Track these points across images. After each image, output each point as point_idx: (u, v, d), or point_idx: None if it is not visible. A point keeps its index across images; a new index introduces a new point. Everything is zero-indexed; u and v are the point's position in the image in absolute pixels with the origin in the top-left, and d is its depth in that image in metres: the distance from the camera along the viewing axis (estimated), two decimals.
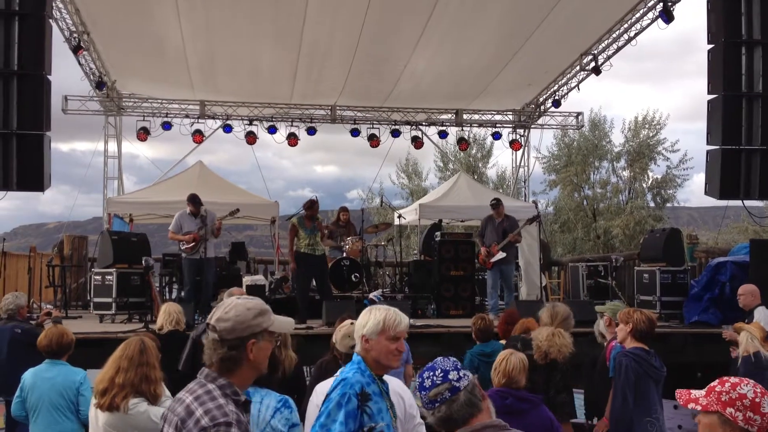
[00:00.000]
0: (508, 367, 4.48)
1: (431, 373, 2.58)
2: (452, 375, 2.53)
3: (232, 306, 2.65)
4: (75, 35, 13.25)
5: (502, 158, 44.22)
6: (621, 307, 6.06)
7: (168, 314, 6.78)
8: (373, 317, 3.40)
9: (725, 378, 2.33)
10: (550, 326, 5.50)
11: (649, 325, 4.94)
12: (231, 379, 2.59)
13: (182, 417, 2.49)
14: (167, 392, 4.45)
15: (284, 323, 2.80)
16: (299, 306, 10.90)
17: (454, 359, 2.63)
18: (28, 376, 5.56)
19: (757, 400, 2.22)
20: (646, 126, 33.42)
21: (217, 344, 2.59)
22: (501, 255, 11.46)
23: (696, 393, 2.35)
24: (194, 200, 11.17)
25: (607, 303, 6.16)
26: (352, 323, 4.27)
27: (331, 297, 11.28)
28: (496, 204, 11.98)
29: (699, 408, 2.31)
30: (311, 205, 11.22)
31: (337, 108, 18.04)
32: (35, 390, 5.47)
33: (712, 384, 2.33)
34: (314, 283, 11.38)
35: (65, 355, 5.64)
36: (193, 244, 10.93)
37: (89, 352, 8.91)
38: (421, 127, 18.50)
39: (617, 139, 34.70)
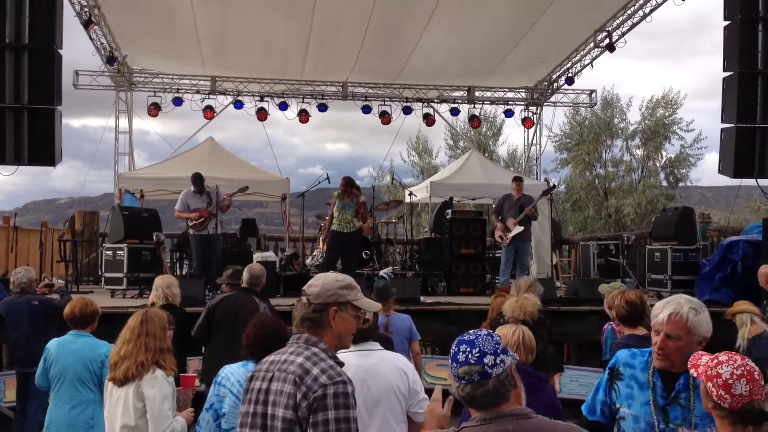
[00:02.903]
0: (513, 343, 4.42)
1: (468, 349, 2.42)
2: (488, 359, 2.37)
3: (324, 276, 2.98)
4: (86, 9, 13.20)
5: (512, 136, 44.04)
6: (621, 288, 5.96)
7: (155, 289, 6.77)
8: None
9: (721, 353, 2.50)
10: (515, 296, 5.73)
11: (630, 309, 4.61)
12: None
13: (299, 374, 2.69)
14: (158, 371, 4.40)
15: (371, 304, 3.07)
16: None
17: (498, 339, 2.47)
18: (53, 346, 5.51)
19: (731, 381, 2.38)
20: (663, 104, 33.16)
21: (304, 306, 2.89)
22: (519, 229, 11.26)
23: (702, 360, 2.54)
24: (196, 181, 11.15)
25: (609, 283, 6.10)
26: None
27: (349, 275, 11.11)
28: (519, 180, 11.77)
29: (695, 374, 2.53)
30: (344, 182, 11.10)
31: (349, 84, 17.95)
32: (60, 361, 5.43)
33: (715, 355, 2.52)
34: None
35: (89, 326, 5.60)
36: (201, 220, 10.95)
37: (100, 327, 8.99)
38: (432, 104, 18.39)
39: (632, 117, 34.46)
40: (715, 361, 2.46)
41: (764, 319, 7.66)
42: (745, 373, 2.39)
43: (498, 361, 2.38)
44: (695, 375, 2.53)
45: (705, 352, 2.61)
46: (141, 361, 4.32)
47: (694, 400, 3.04)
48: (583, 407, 3.55)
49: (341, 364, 2.81)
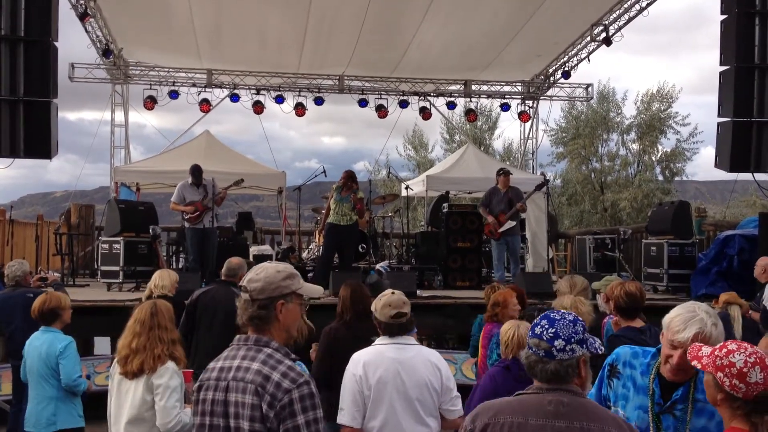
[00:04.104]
0: (520, 339, 4.49)
1: (546, 326, 2.49)
2: (558, 343, 2.44)
3: (263, 268, 2.81)
4: (81, 2, 13.15)
5: (508, 130, 43.92)
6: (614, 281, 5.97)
7: (152, 280, 6.83)
8: None
9: (728, 342, 2.44)
10: (569, 294, 5.48)
11: (630, 300, 4.63)
12: None
13: (259, 383, 2.58)
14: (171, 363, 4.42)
15: (314, 289, 2.98)
16: (315, 275, 10.88)
17: (582, 328, 2.50)
18: (28, 342, 5.71)
19: (745, 369, 2.31)
20: (659, 99, 33.17)
21: (248, 303, 2.74)
22: (511, 224, 11.26)
23: (704, 351, 2.48)
24: (195, 173, 11.14)
25: (602, 279, 6.10)
26: (393, 292, 4.29)
27: (346, 268, 11.09)
28: (505, 173, 11.69)
29: (699, 366, 2.47)
30: (346, 176, 11.06)
31: (345, 78, 17.91)
32: (27, 357, 5.64)
33: (720, 344, 2.46)
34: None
35: (56, 321, 5.68)
36: (197, 213, 10.94)
37: (97, 320, 9.01)
38: (429, 97, 18.37)
39: (627, 111, 34.44)
40: (725, 350, 2.38)
41: (753, 309, 7.75)
42: (758, 360, 2.32)
43: (568, 348, 2.45)
44: (699, 367, 2.47)
45: (703, 344, 2.57)
46: (157, 354, 4.34)
47: (691, 413, 2.96)
48: None
49: (294, 359, 2.72)
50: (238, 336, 2.79)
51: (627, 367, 3.22)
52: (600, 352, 2.54)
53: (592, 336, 2.57)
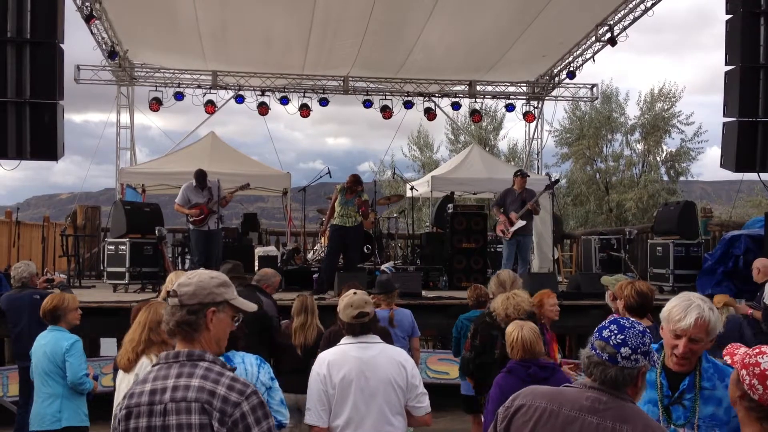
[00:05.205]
0: (524, 341, 4.53)
1: (616, 330, 2.49)
2: (624, 351, 2.43)
3: (196, 273, 2.65)
4: (87, 4, 13.18)
5: (513, 131, 43.95)
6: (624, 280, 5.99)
7: (167, 282, 6.82)
8: None
9: (765, 346, 2.40)
10: (503, 292, 5.68)
11: (640, 299, 4.63)
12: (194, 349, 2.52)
13: (205, 399, 2.37)
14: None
15: (247, 303, 2.74)
16: (321, 277, 10.88)
17: (649, 340, 2.50)
18: (35, 342, 5.77)
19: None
20: (662, 98, 33.12)
21: (176, 309, 2.54)
22: (521, 223, 11.26)
23: (741, 350, 2.45)
24: (199, 178, 11.11)
25: (613, 276, 6.11)
26: (355, 293, 4.33)
27: (351, 269, 11.09)
28: (523, 174, 11.74)
29: (730, 361, 2.44)
30: (352, 180, 11.09)
31: (350, 79, 17.92)
32: (34, 356, 5.70)
33: (758, 345, 2.42)
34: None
35: (61, 321, 5.74)
36: (201, 216, 10.95)
37: (103, 321, 9.04)
38: (434, 98, 18.36)
39: (631, 111, 34.42)
40: (757, 350, 2.35)
41: (753, 308, 7.77)
42: None
43: (633, 357, 2.44)
44: (729, 362, 2.45)
45: (741, 344, 2.53)
46: (141, 350, 4.31)
47: (699, 401, 3.02)
48: None
49: (233, 369, 2.55)
50: (164, 353, 2.55)
51: None
52: (657, 366, 2.58)
53: (655, 350, 2.58)
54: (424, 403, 4.17)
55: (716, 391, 3.03)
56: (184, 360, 2.48)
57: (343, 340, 4.26)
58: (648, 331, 2.56)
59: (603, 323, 2.57)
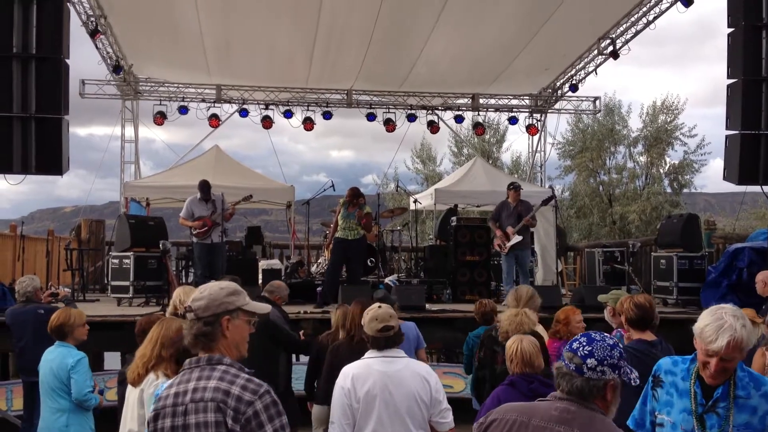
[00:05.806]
0: (523, 353, 4.52)
1: (584, 342, 2.54)
2: (590, 362, 2.48)
3: (207, 287, 2.81)
4: (92, 19, 13.28)
5: (516, 143, 44.03)
6: (622, 295, 5.95)
7: (175, 296, 6.82)
8: None
9: None
10: (516, 308, 5.67)
11: (640, 311, 4.61)
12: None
13: (220, 399, 2.55)
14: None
15: (260, 305, 2.91)
16: (324, 290, 10.87)
17: (619, 354, 2.53)
18: (42, 356, 5.79)
19: None
20: (665, 111, 33.13)
21: (193, 322, 2.72)
22: (517, 238, 11.22)
23: None
24: (203, 188, 11.17)
25: (609, 292, 6.10)
26: (380, 306, 4.33)
27: (354, 282, 11.08)
28: (516, 187, 11.64)
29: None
30: (351, 194, 11.04)
31: (353, 92, 18.01)
32: (41, 371, 5.73)
33: None
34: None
35: (68, 336, 5.75)
36: (205, 229, 10.96)
37: (107, 335, 9.03)
38: (437, 111, 18.42)
39: (634, 124, 34.42)
40: None
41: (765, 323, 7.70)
42: None
43: (599, 369, 2.49)
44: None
45: None
46: (150, 365, 4.32)
47: (733, 410, 3.03)
48: (629, 422, 3.44)
49: (250, 372, 2.70)
50: (188, 360, 2.74)
51: (669, 374, 3.29)
52: (635, 384, 2.57)
53: (631, 367, 2.58)
54: (447, 419, 4.19)
55: (751, 399, 3.04)
56: (204, 364, 2.67)
57: (368, 354, 4.26)
58: (619, 345, 2.59)
59: (576, 336, 2.62)
